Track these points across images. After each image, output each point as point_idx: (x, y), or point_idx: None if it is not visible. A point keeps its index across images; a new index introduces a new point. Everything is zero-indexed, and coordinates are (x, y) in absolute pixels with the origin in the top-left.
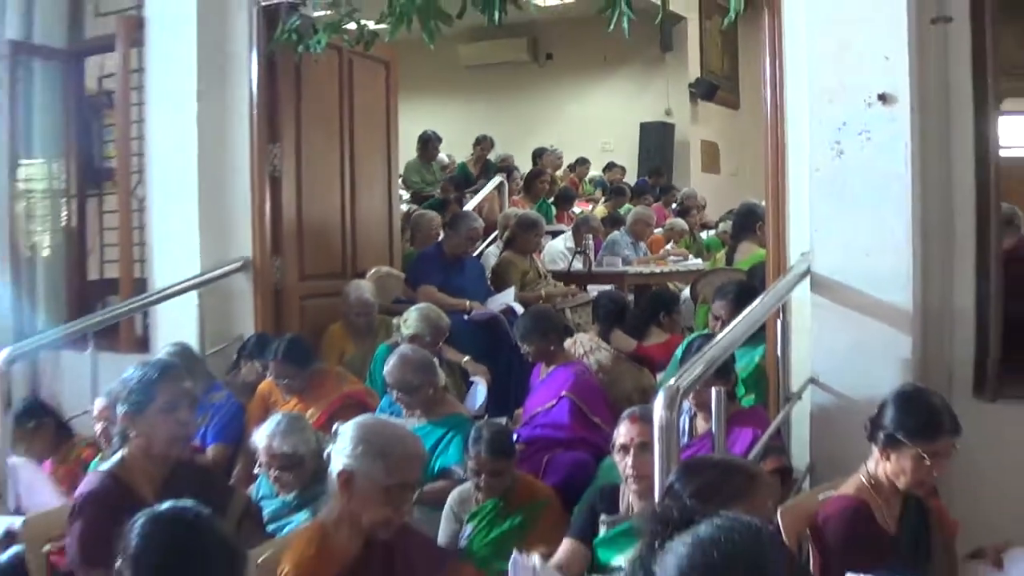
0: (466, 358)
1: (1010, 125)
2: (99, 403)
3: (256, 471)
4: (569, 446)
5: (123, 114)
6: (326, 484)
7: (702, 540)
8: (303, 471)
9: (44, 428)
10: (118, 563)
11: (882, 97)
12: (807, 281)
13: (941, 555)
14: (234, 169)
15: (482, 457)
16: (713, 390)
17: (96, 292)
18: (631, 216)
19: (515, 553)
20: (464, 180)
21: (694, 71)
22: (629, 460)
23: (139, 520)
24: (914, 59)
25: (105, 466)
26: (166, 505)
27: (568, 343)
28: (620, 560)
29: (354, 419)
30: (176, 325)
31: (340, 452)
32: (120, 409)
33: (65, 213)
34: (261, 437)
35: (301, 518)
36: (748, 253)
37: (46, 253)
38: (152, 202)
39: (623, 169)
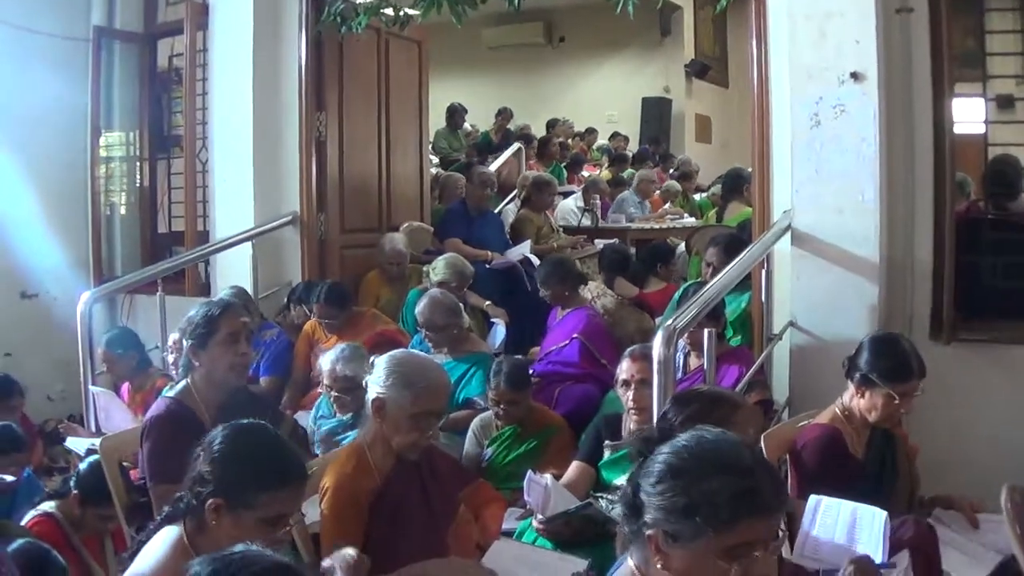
0: (487, 302)
1: (962, 106)
2: (173, 337)
3: (318, 391)
4: (578, 380)
5: (190, 89)
6: None
7: (677, 445)
8: (359, 394)
9: (129, 356)
10: (200, 467)
11: (854, 76)
12: (788, 236)
13: (904, 476)
14: (285, 135)
15: (501, 388)
16: (705, 331)
17: (164, 243)
18: (637, 177)
19: (529, 472)
20: (486, 146)
21: (689, 53)
22: (630, 394)
23: (219, 432)
24: (881, 44)
25: (171, 392)
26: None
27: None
28: (621, 480)
29: (387, 353)
30: (233, 272)
31: (375, 382)
32: (186, 342)
33: (138, 176)
34: (326, 361)
35: (355, 435)
36: (736, 211)
37: (122, 210)
38: (213, 164)
39: (626, 138)
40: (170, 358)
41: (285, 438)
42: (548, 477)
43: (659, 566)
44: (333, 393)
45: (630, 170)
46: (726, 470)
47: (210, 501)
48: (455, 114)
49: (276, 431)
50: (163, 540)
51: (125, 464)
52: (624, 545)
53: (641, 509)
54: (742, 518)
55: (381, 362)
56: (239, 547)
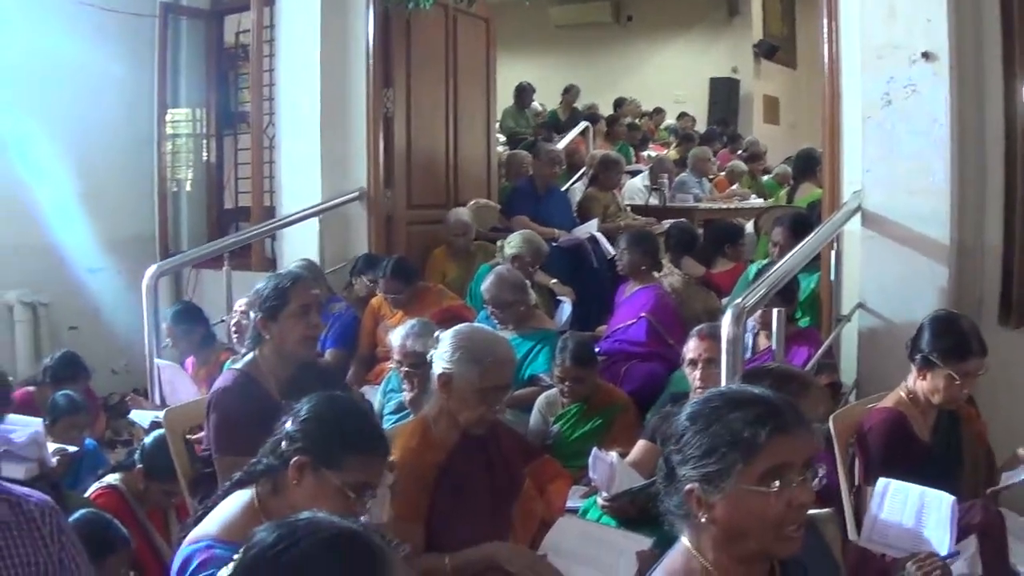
0: (554, 280)
1: None
2: (239, 304)
3: (389, 366)
4: (644, 359)
5: (257, 65)
6: None
7: (692, 402)
8: (428, 370)
9: (193, 332)
10: (287, 428)
11: (925, 55)
12: (858, 216)
13: (972, 460)
14: (352, 111)
15: (566, 365)
16: (775, 310)
17: (230, 218)
18: (691, 156)
19: (595, 449)
20: (554, 125)
21: (757, 33)
22: (697, 373)
23: (310, 398)
24: (952, 23)
25: (238, 365)
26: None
27: None
28: None
29: (454, 327)
30: (299, 247)
31: (440, 356)
32: (254, 314)
33: (205, 152)
34: (396, 337)
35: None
36: (807, 192)
37: (188, 186)
38: (280, 140)
39: (693, 119)
40: (232, 323)
41: (373, 412)
42: (614, 454)
43: (704, 520)
44: (403, 368)
45: (693, 149)
46: (741, 404)
47: (296, 458)
48: (523, 93)
49: (366, 404)
50: (233, 502)
51: (190, 437)
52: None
53: (675, 471)
54: (767, 437)
55: (447, 337)
56: (306, 513)
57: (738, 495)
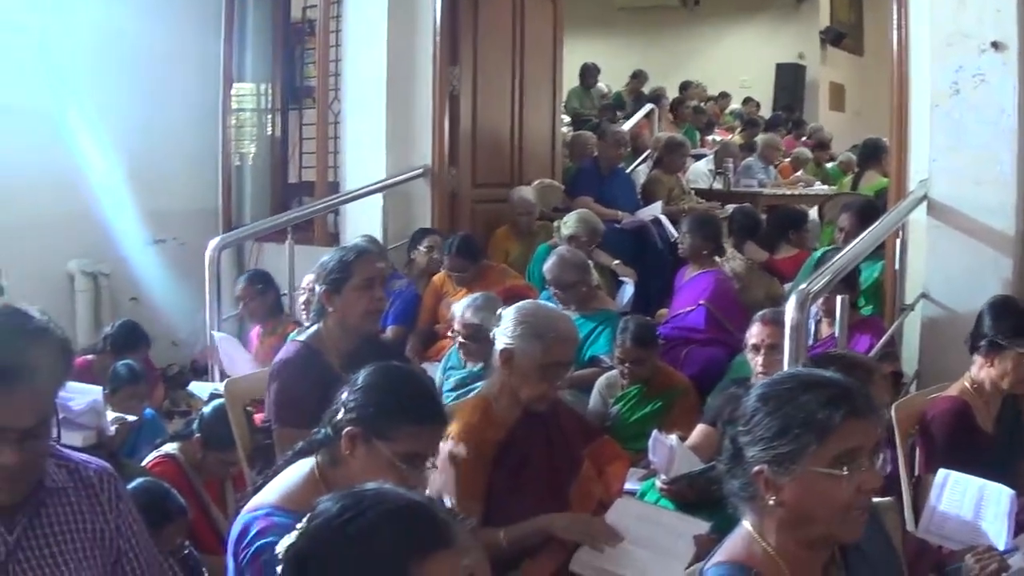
0: (616, 261)
1: None
2: (307, 279)
3: (449, 335)
4: (704, 344)
5: (323, 40)
6: None
7: (761, 384)
8: (486, 345)
9: (267, 295)
10: (342, 398)
11: (994, 45)
12: (924, 205)
13: None
14: (418, 87)
15: (627, 346)
16: (839, 297)
17: (294, 193)
18: (761, 142)
19: (655, 432)
20: (618, 107)
21: (824, 20)
22: (760, 359)
23: (367, 368)
24: (1022, 12)
25: (301, 337)
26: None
27: None
28: None
29: (517, 304)
30: (362, 223)
31: (502, 333)
32: (319, 288)
33: (269, 126)
34: (458, 308)
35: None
36: (872, 180)
37: (252, 160)
38: (345, 116)
39: (758, 104)
40: (302, 299)
41: (432, 382)
42: (674, 437)
43: (771, 502)
44: (460, 339)
45: (762, 135)
46: (814, 385)
47: (347, 429)
48: (588, 73)
49: (425, 375)
50: (293, 472)
51: (249, 408)
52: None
53: (742, 453)
54: (840, 420)
55: (509, 313)
56: (372, 484)
57: (808, 478)
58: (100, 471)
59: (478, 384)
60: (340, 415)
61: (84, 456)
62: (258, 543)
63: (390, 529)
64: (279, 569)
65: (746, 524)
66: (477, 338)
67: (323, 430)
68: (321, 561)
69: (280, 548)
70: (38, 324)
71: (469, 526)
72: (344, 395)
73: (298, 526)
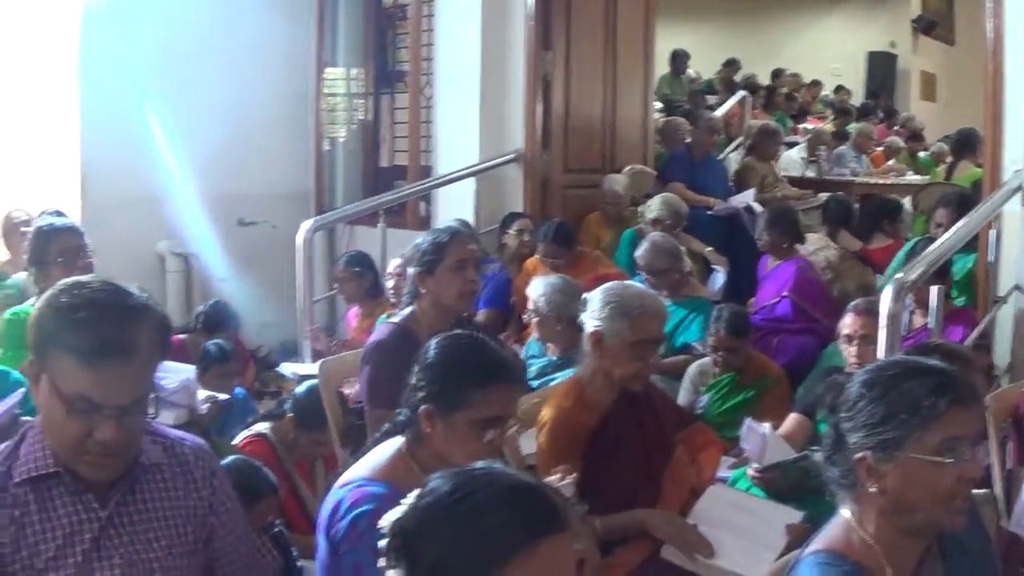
0: (709, 248)
1: None
2: (394, 263)
3: (524, 319)
4: (795, 333)
5: (415, 24)
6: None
7: (866, 370)
8: (566, 329)
9: (364, 278)
10: (413, 378)
11: None
12: (1019, 196)
13: None
14: (511, 72)
15: (722, 334)
16: (933, 288)
17: (386, 177)
18: (855, 131)
19: (748, 420)
20: (708, 93)
21: (916, 8)
22: (853, 349)
23: (431, 343)
24: None
25: (395, 318)
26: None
27: None
28: None
29: (602, 286)
30: (455, 207)
31: (590, 315)
32: (412, 269)
33: (361, 110)
34: (533, 291)
35: (565, 375)
36: (966, 171)
37: (344, 144)
38: (438, 100)
39: (850, 92)
40: (390, 284)
41: (499, 343)
42: (767, 426)
43: (872, 489)
44: (534, 320)
45: (854, 124)
46: (920, 373)
47: (422, 408)
48: (678, 59)
49: (490, 338)
50: (383, 450)
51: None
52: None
53: (844, 439)
54: (946, 407)
55: (595, 295)
56: (481, 464)
57: (911, 465)
58: (195, 448)
59: (558, 374)
60: (414, 395)
61: (180, 433)
62: (353, 513)
63: (502, 510)
64: (383, 543)
65: (844, 513)
66: (547, 323)
67: (403, 412)
68: (429, 539)
69: (384, 522)
70: (138, 300)
71: (581, 511)
72: (414, 376)
73: (404, 502)
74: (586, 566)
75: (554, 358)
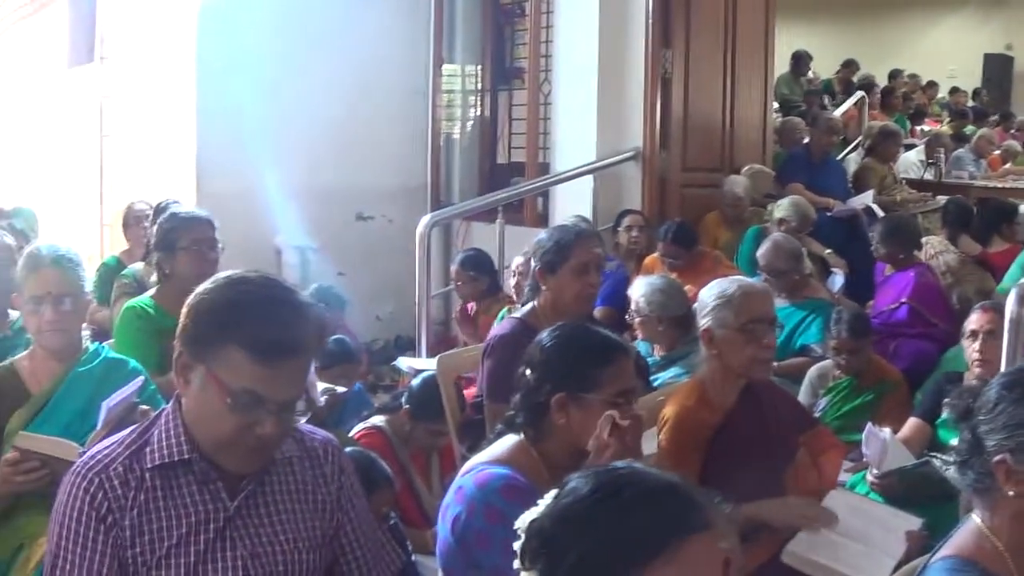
0: (828, 251)
1: None
2: (516, 261)
3: (627, 318)
4: (913, 337)
5: (534, 21)
6: (691, 347)
7: (1007, 371)
8: (666, 331)
9: (480, 278)
10: (530, 377)
11: None
12: None
13: None
14: (630, 70)
15: (843, 337)
16: None
17: (503, 173)
18: (977, 135)
19: (869, 424)
20: (829, 94)
21: None
22: (976, 344)
23: (538, 340)
24: None
25: (518, 313)
26: None
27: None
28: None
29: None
30: (572, 204)
31: (700, 314)
32: (534, 265)
33: (478, 106)
34: (634, 291)
35: (667, 375)
36: None
37: (461, 140)
38: (556, 97)
39: (967, 94)
40: (512, 282)
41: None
42: (887, 431)
43: (1011, 493)
44: (637, 320)
45: (971, 127)
46: None
47: (554, 399)
48: (800, 60)
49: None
50: (504, 442)
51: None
52: (966, 507)
53: (982, 442)
54: None
55: (702, 295)
56: (620, 463)
57: None
58: (325, 442)
59: (661, 375)
60: (536, 392)
61: (309, 426)
62: (483, 493)
63: (646, 509)
64: (517, 545)
65: (975, 519)
66: (648, 322)
67: (520, 413)
68: (569, 539)
69: (521, 523)
70: (301, 297)
71: (727, 510)
72: (527, 374)
73: (541, 502)
74: (732, 567)
75: (657, 358)
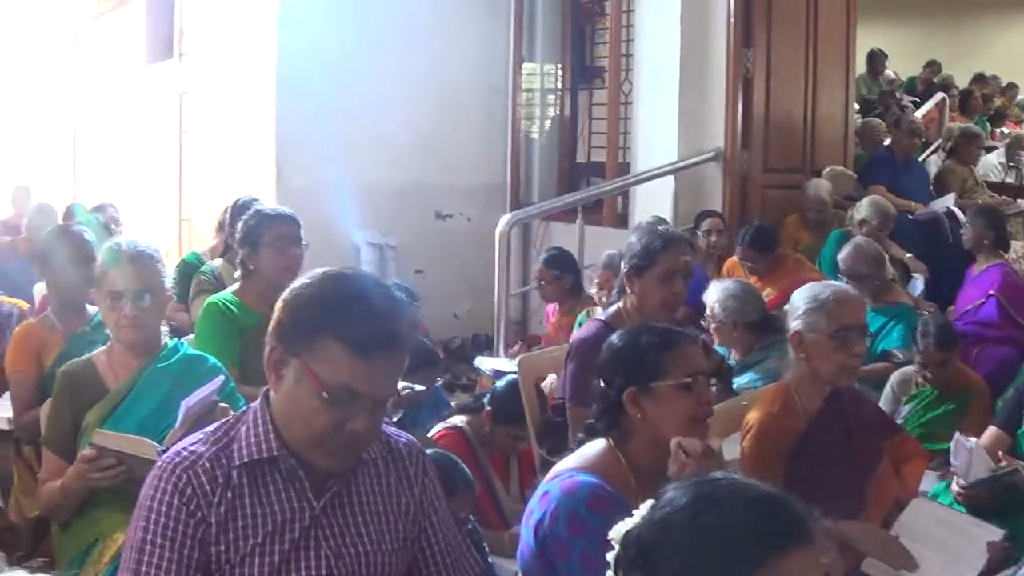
0: (908, 255)
1: None
2: (596, 275)
3: (703, 323)
4: (996, 342)
5: (615, 20)
6: (766, 352)
7: None
8: (740, 336)
9: (563, 280)
10: (605, 377)
11: None
12: None
13: None
14: (711, 69)
15: (931, 350)
16: None
17: (582, 173)
18: None
19: (957, 434)
20: (909, 92)
21: None
22: None
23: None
24: None
25: (601, 316)
26: None
27: None
28: None
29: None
30: (652, 205)
31: (791, 316)
32: (623, 267)
33: (558, 106)
34: (710, 297)
35: (742, 381)
36: None
37: (540, 139)
38: (637, 96)
39: None
40: (594, 287)
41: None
42: (974, 441)
43: None
44: (712, 325)
45: None
46: None
47: (626, 392)
48: (875, 60)
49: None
50: (590, 447)
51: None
52: None
53: None
54: None
55: (794, 298)
56: (719, 473)
57: None
58: (409, 444)
59: (736, 380)
60: (609, 389)
61: (393, 428)
62: (569, 501)
63: (747, 522)
64: (611, 555)
65: None
66: (723, 328)
67: (601, 415)
68: (668, 551)
69: (615, 533)
70: (397, 293)
71: (826, 523)
72: (603, 373)
73: (637, 513)
74: None
75: (733, 363)
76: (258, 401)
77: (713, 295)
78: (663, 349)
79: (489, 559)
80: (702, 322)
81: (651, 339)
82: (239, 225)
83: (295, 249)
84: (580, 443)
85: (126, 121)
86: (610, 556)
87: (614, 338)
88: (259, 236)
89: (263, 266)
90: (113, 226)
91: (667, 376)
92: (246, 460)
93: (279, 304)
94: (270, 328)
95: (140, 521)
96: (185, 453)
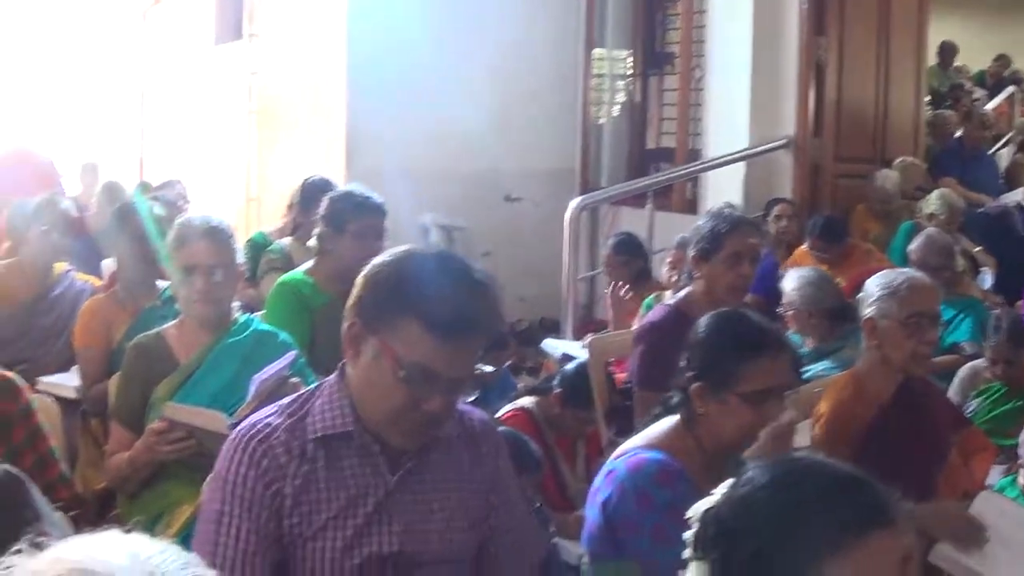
0: (978, 248)
1: None
2: (670, 251)
3: (779, 311)
4: None
5: (686, 6)
6: (842, 341)
7: None
8: (817, 324)
9: (631, 265)
10: (685, 358)
11: None
12: None
13: None
14: (784, 56)
15: (1002, 345)
16: None
17: (652, 158)
18: None
19: None
20: (980, 84)
21: None
22: None
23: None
24: None
25: (670, 300)
26: None
27: None
28: None
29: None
30: (722, 191)
31: (864, 303)
32: (690, 252)
33: (628, 91)
34: (787, 284)
35: (817, 368)
36: None
37: (610, 124)
38: (708, 82)
39: None
40: (665, 269)
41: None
42: None
43: None
44: (788, 313)
45: None
46: None
47: (693, 386)
48: (946, 52)
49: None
50: (660, 424)
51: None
52: None
53: None
54: None
55: (867, 285)
56: (803, 452)
57: None
58: (483, 423)
59: (812, 367)
60: (684, 378)
61: (468, 407)
62: (637, 478)
63: (828, 502)
64: (688, 534)
65: None
66: (801, 318)
67: (675, 394)
68: (748, 530)
69: (693, 512)
70: (481, 276)
71: (907, 506)
72: (685, 356)
73: (717, 492)
74: (910, 564)
75: (806, 350)
76: (334, 375)
77: (790, 283)
78: (742, 355)
79: (554, 540)
80: (778, 310)
81: (736, 341)
82: (325, 202)
83: (377, 243)
84: (656, 418)
85: (194, 101)
86: (688, 534)
87: (702, 322)
88: (345, 223)
89: (342, 252)
90: (181, 202)
91: (737, 385)
92: (320, 434)
93: (360, 279)
94: (349, 302)
95: (216, 493)
96: (260, 425)
